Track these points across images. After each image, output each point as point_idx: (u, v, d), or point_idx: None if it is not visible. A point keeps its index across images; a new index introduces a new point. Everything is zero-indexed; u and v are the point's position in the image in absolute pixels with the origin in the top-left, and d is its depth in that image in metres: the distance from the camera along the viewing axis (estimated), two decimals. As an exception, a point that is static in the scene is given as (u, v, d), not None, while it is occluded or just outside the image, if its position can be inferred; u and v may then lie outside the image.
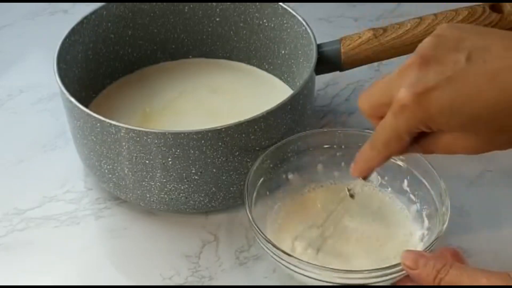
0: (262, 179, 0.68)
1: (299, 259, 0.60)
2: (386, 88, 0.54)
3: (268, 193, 0.69)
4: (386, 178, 0.70)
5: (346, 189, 0.64)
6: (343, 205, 0.67)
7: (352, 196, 0.64)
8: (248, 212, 0.64)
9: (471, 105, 0.50)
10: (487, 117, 0.50)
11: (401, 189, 0.69)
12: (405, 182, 0.69)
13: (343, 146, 0.71)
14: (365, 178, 0.61)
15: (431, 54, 0.52)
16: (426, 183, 0.67)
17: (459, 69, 0.51)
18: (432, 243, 0.61)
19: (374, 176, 0.70)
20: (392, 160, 0.69)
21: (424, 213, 0.67)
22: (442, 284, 0.54)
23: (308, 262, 0.60)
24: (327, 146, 0.71)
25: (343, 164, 0.71)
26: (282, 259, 0.61)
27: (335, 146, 0.71)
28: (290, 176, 0.71)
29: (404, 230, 0.67)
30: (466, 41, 0.52)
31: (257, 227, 0.62)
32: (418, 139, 0.55)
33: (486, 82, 0.50)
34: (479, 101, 0.50)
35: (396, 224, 0.68)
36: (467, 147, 0.53)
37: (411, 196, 0.69)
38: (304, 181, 0.71)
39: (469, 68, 0.50)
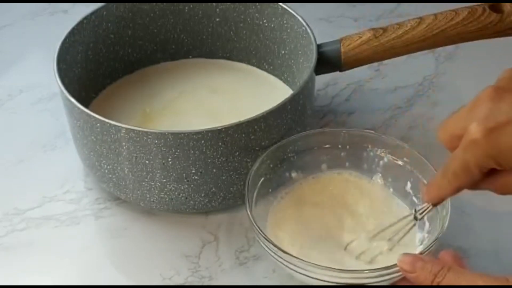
0: (262, 178, 0.68)
1: (300, 259, 0.60)
2: (460, 120, 0.53)
3: (269, 192, 0.69)
4: (389, 179, 0.70)
5: (414, 210, 0.63)
6: (344, 205, 0.68)
7: (416, 218, 0.62)
8: (248, 211, 0.64)
9: None
10: None
11: (404, 191, 0.69)
12: (408, 184, 0.69)
13: (347, 147, 0.71)
14: (435, 205, 0.60)
15: (506, 87, 0.51)
16: None
17: None
18: (430, 245, 0.61)
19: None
20: (394, 161, 0.69)
21: (425, 216, 0.67)
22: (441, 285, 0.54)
23: (308, 262, 0.60)
24: (328, 145, 0.71)
25: (347, 164, 0.71)
26: (282, 258, 0.61)
27: (339, 146, 0.71)
28: (294, 174, 0.71)
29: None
30: None
31: (258, 226, 0.62)
32: (492, 176, 0.54)
33: None
34: None
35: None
36: None
37: (414, 198, 0.69)
38: (306, 180, 0.71)
39: None
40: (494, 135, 0.50)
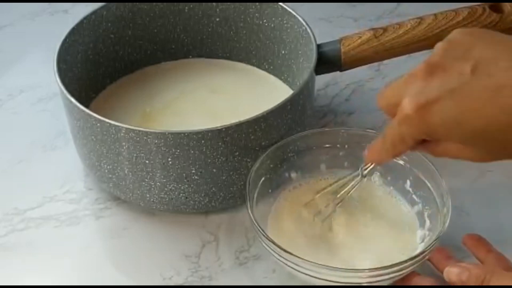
0: (263, 178, 0.68)
1: (301, 258, 0.60)
2: (396, 91, 0.55)
3: (269, 192, 0.69)
4: (389, 178, 0.70)
5: (360, 168, 0.65)
6: (345, 205, 0.68)
7: (364, 176, 0.65)
8: (249, 211, 0.64)
9: (472, 120, 0.50)
10: (488, 134, 0.50)
11: (404, 189, 0.70)
12: (408, 182, 0.69)
13: (346, 146, 0.71)
14: (378, 164, 0.64)
15: (438, 62, 0.52)
16: (429, 184, 0.67)
17: (463, 81, 0.50)
18: (431, 244, 0.61)
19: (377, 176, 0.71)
20: (394, 160, 0.69)
21: (426, 214, 0.67)
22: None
23: (309, 261, 0.60)
24: (328, 145, 0.71)
25: (346, 163, 0.71)
26: (283, 257, 0.61)
27: (338, 146, 0.71)
28: (293, 174, 0.71)
29: (405, 230, 0.67)
30: (475, 50, 0.51)
31: (259, 225, 0.62)
32: (426, 142, 0.56)
33: (489, 98, 0.49)
34: (481, 117, 0.50)
35: (399, 224, 0.68)
36: (471, 157, 0.54)
37: (414, 196, 0.69)
38: (306, 180, 0.71)
39: (473, 82, 0.50)
40: (425, 111, 0.51)
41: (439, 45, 0.53)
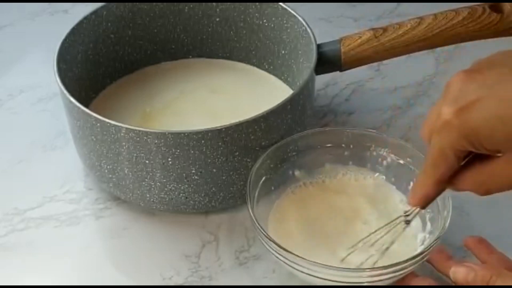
0: (264, 178, 0.68)
1: (301, 257, 0.60)
2: (435, 109, 0.52)
3: (269, 192, 0.69)
4: (392, 179, 0.70)
5: (403, 212, 0.61)
6: (344, 205, 0.68)
7: (407, 222, 0.61)
8: (250, 210, 0.64)
9: None
10: None
11: (407, 190, 0.69)
12: (411, 184, 0.69)
13: (351, 146, 0.71)
14: (423, 207, 0.58)
15: (474, 68, 0.51)
16: None
17: (502, 80, 0.48)
18: (431, 244, 0.61)
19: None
20: (398, 161, 0.69)
21: (427, 217, 0.67)
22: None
23: (310, 260, 0.60)
24: (330, 145, 0.71)
25: (351, 163, 0.71)
26: (283, 257, 0.61)
27: (343, 145, 0.71)
28: (297, 172, 0.71)
29: (407, 232, 0.67)
30: (511, 58, 0.50)
31: (260, 225, 0.62)
32: (470, 169, 0.53)
33: None
34: None
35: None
36: None
37: None
38: (310, 178, 0.71)
39: None
40: (465, 113, 0.49)
41: (477, 59, 0.52)
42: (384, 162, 0.71)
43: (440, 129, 0.50)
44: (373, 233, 0.63)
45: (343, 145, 0.71)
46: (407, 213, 0.61)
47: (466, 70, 0.51)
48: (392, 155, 0.70)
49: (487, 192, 0.53)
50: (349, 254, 0.64)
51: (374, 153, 0.71)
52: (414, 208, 0.59)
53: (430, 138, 0.52)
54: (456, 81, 0.50)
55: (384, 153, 0.71)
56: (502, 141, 0.48)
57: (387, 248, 0.62)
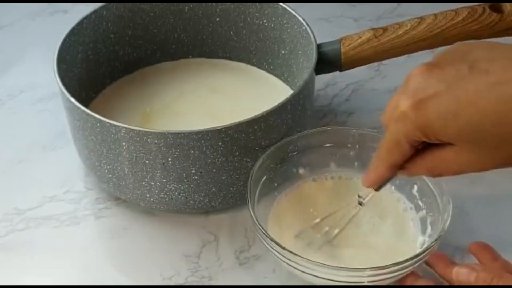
0: (264, 177, 0.68)
1: (301, 257, 0.60)
2: (395, 99, 0.54)
3: (270, 191, 0.69)
4: (397, 182, 0.70)
5: (357, 195, 0.64)
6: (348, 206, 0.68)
7: (360, 204, 0.64)
8: (251, 210, 0.64)
9: (469, 111, 0.50)
10: (483, 127, 0.50)
11: (411, 194, 0.69)
12: (415, 187, 0.69)
13: (357, 146, 0.71)
14: (377, 189, 0.61)
15: (435, 63, 0.52)
16: (434, 191, 0.67)
17: (460, 77, 0.50)
18: (431, 245, 0.61)
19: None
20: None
21: (428, 220, 0.67)
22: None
23: (310, 260, 0.60)
24: (330, 144, 0.71)
25: (356, 164, 0.71)
26: (284, 256, 0.61)
27: (349, 146, 0.71)
28: (301, 170, 0.71)
29: (407, 235, 0.67)
30: (472, 53, 0.52)
31: (260, 224, 0.62)
32: (422, 155, 0.55)
33: (486, 90, 0.49)
34: (477, 108, 0.49)
35: (401, 229, 0.67)
36: (470, 162, 0.53)
37: (419, 202, 0.68)
38: (313, 176, 0.72)
39: (470, 77, 0.50)
40: (422, 106, 0.51)
41: (437, 51, 0.54)
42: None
43: (397, 119, 0.52)
44: (328, 216, 0.66)
45: (349, 145, 0.71)
46: (361, 196, 0.63)
47: (428, 63, 0.53)
48: None
49: (439, 176, 0.56)
50: (301, 232, 0.66)
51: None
52: (369, 191, 0.61)
53: (388, 125, 0.54)
54: (416, 74, 0.52)
55: None
56: (454, 135, 0.51)
57: (341, 229, 0.65)
